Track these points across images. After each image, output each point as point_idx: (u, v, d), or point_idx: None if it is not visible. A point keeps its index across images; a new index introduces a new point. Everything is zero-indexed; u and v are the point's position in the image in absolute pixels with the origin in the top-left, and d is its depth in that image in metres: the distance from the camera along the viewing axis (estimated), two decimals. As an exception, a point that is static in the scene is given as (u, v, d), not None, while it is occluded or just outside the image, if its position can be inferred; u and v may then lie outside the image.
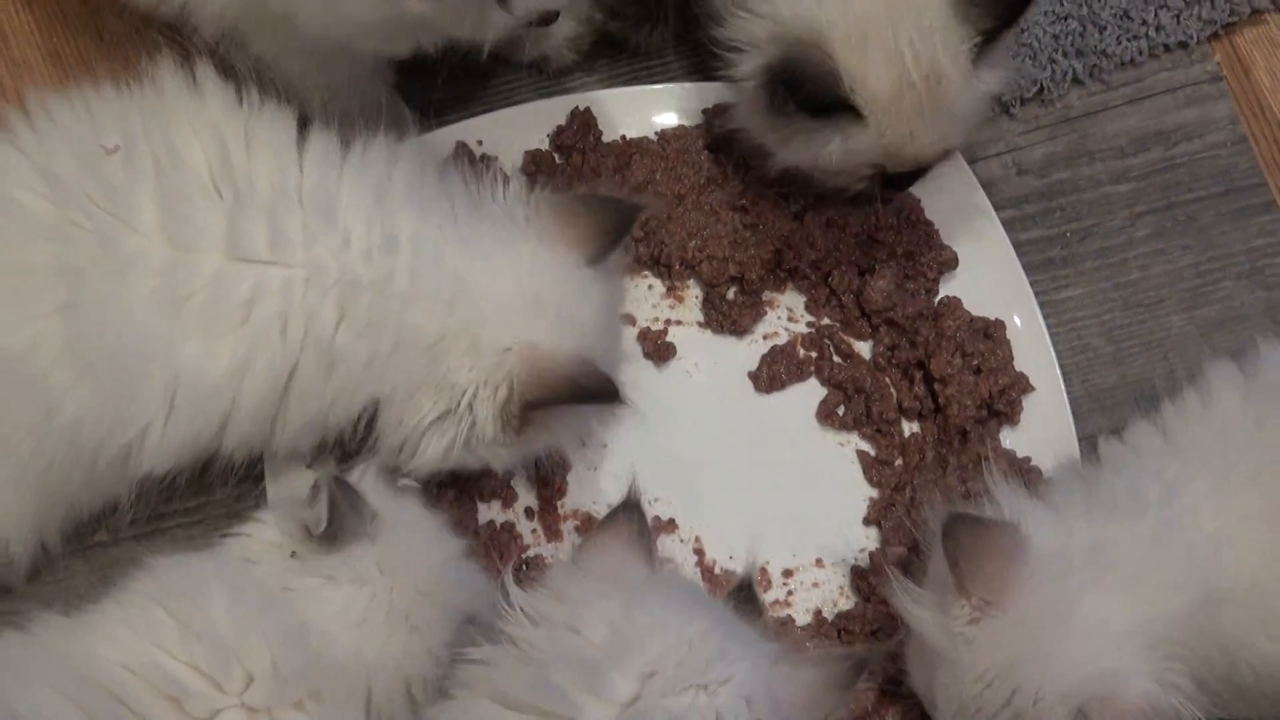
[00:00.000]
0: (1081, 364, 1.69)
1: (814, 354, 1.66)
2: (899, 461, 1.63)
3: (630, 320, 1.65)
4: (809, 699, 1.22)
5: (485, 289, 1.40)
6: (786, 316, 1.68)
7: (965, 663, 1.35)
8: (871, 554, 1.58)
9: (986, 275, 1.67)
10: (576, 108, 1.69)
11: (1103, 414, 1.65)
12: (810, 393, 1.65)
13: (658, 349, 1.64)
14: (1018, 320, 1.65)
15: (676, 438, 1.61)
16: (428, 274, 1.39)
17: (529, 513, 1.58)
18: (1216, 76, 1.81)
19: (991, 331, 1.64)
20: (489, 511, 1.57)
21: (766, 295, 1.68)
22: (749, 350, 1.66)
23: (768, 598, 1.56)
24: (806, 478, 1.62)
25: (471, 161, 1.62)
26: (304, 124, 1.43)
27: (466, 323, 1.39)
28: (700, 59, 1.70)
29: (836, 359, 1.66)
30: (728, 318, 1.65)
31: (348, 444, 1.44)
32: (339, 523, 1.31)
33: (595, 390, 1.41)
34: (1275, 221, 1.75)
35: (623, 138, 1.70)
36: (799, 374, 1.65)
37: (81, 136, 1.38)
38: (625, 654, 1.19)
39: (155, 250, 1.34)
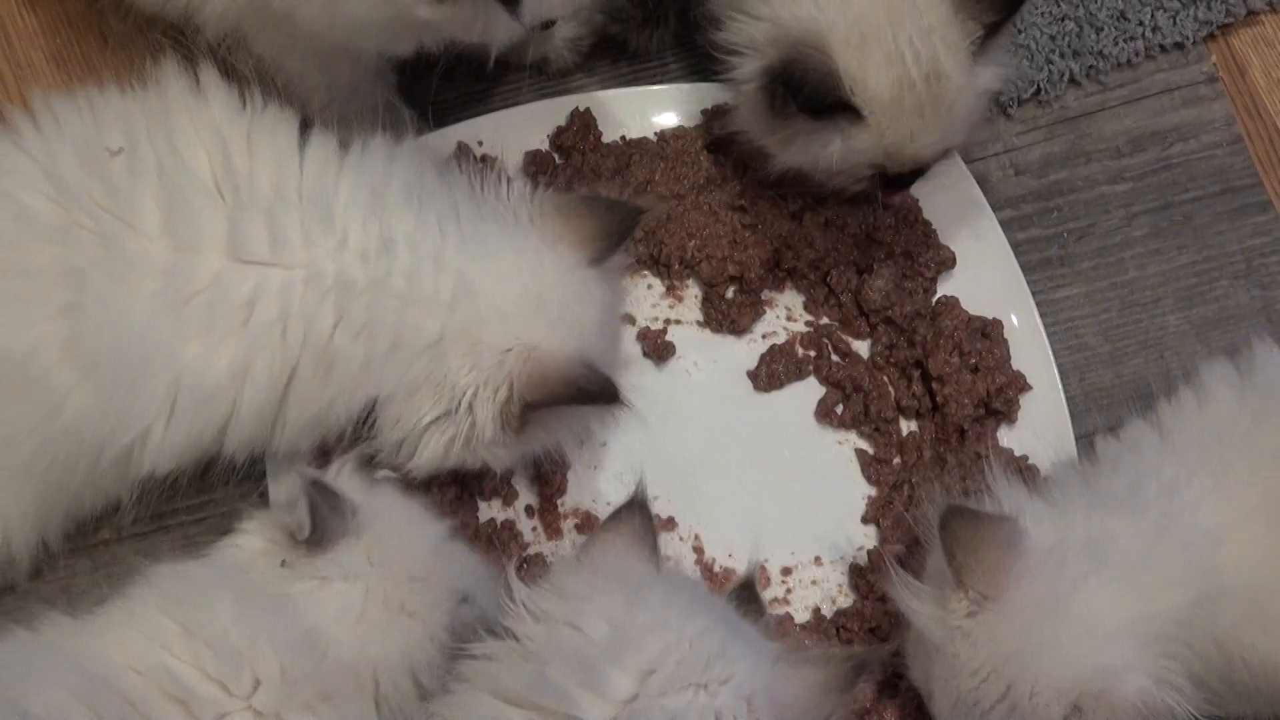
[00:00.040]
0: (1078, 363, 1.69)
1: (812, 353, 1.66)
2: (897, 460, 1.63)
3: (630, 320, 1.65)
4: (809, 700, 1.22)
5: (488, 289, 1.40)
6: (785, 316, 1.68)
7: (962, 656, 1.35)
8: (870, 552, 1.58)
9: (984, 275, 1.67)
10: (576, 108, 1.69)
11: (1099, 412, 1.65)
12: (809, 391, 1.65)
13: (657, 348, 1.64)
14: (1015, 319, 1.65)
15: (676, 436, 1.61)
16: (426, 274, 1.39)
17: (529, 511, 1.58)
18: (1212, 77, 1.81)
19: (989, 330, 1.64)
20: (490, 510, 1.57)
21: (765, 295, 1.68)
22: (748, 349, 1.66)
23: (767, 595, 1.55)
24: (805, 476, 1.62)
25: (473, 162, 1.62)
26: (306, 126, 1.43)
27: (467, 323, 1.39)
28: (699, 60, 1.70)
29: (835, 358, 1.66)
30: (727, 317, 1.66)
31: (349, 444, 1.44)
32: (322, 525, 1.31)
33: (595, 392, 1.41)
34: (1270, 221, 1.75)
35: (622, 138, 1.70)
36: (798, 373, 1.65)
37: (85, 138, 1.38)
38: (624, 651, 1.19)
39: (157, 252, 1.34)
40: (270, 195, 1.37)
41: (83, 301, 1.33)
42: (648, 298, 1.67)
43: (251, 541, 1.36)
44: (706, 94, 1.71)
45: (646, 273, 1.68)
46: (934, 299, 1.67)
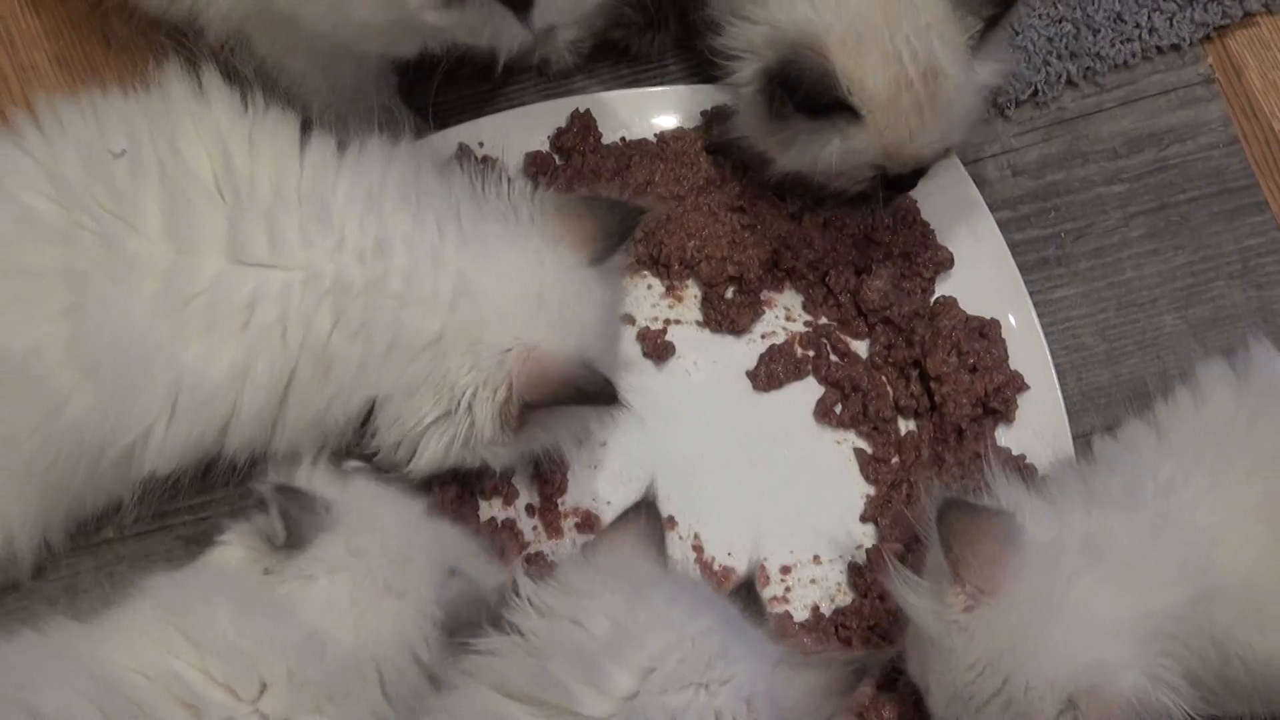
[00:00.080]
0: (1076, 363, 1.69)
1: (811, 353, 1.66)
2: (895, 459, 1.62)
3: (630, 320, 1.64)
4: (809, 702, 1.22)
5: (487, 289, 1.40)
6: (784, 316, 1.68)
7: (958, 651, 1.35)
8: (868, 550, 1.58)
9: (982, 275, 1.67)
10: (577, 110, 1.69)
11: (1097, 412, 1.65)
12: (808, 391, 1.65)
13: (657, 348, 1.64)
14: (1013, 319, 1.65)
15: (675, 436, 1.61)
16: (424, 274, 1.38)
17: (530, 510, 1.58)
18: (1209, 79, 1.80)
19: (987, 330, 1.64)
20: (490, 509, 1.57)
21: (764, 295, 1.67)
22: (747, 349, 1.66)
23: (766, 594, 1.55)
24: (804, 475, 1.62)
25: (473, 163, 1.62)
26: (306, 128, 1.43)
27: (467, 323, 1.39)
28: (699, 63, 1.70)
29: (834, 358, 1.66)
30: (726, 317, 1.65)
31: (349, 443, 1.44)
32: (295, 527, 1.31)
33: (594, 393, 1.41)
34: (1266, 222, 1.75)
35: (622, 139, 1.70)
36: (796, 373, 1.65)
37: (88, 140, 1.38)
38: (626, 648, 1.19)
39: (158, 253, 1.34)
40: (270, 197, 1.37)
41: (84, 302, 1.32)
42: (647, 298, 1.67)
43: (232, 553, 1.35)
44: (706, 96, 1.71)
45: (646, 273, 1.67)
46: (932, 299, 1.67)
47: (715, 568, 1.57)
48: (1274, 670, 1.38)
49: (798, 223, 1.67)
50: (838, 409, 1.64)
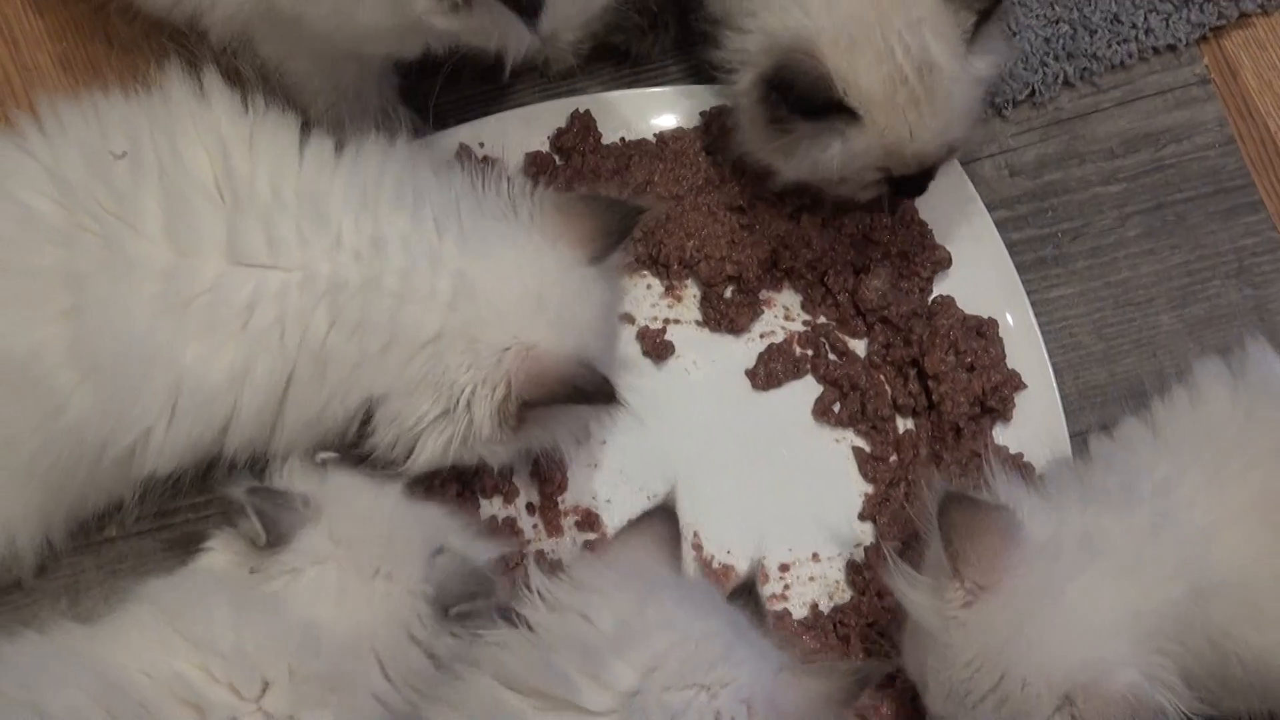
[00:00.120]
0: (1073, 361, 1.68)
1: (810, 352, 1.66)
2: (894, 457, 1.62)
3: (629, 319, 1.64)
4: (810, 709, 1.22)
5: (487, 288, 1.39)
6: (783, 315, 1.67)
7: (956, 647, 1.35)
8: (867, 548, 1.58)
9: (979, 274, 1.67)
10: (576, 110, 1.69)
11: (1093, 411, 1.65)
12: (806, 390, 1.64)
13: (656, 347, 1.64)
14: (1010, 319, 1.65)
15: (675, 435, 1.61)
16: (421, 273, 1.37)
17: (530, 508, 1.58)
18: (1205, 79, 1.80)
19: (984, 329, 1.63)
20: (491, 507, 1.57)
21: (763, 294, 1.67)
22: (746, 348, 1.66)
23: (765, 591, 1.55)
24: (803, 474, 1.61)
25: (474, 163, 1.61)
26: (306, 129, 1.42)
27: (466, 322, 1.38)
28: (698, 63, 1.69)
29: (832, 357, 1.65)
30: (725, 316, 1.65)
31: (349, 443, 1.43)
32: (274, 526, 1.31)
33: (592, 392, 1.40)
34: (1262, 221, 1.74)
35: (622, 140, 1.69)
36: (795, 372, 1.64)
37: (90, 141, 1.38)
38: (630, 644, 1.19)
39: (159, 254, 1.34)
40: (269, 198, 1.37)
41: (85, 303, 1.32)
42: (647, 297, 1.66)
43: (217, 559, 1.35)
44: (705, 96, 1.70)
45: (646, 273, 1.67)
46: (930, 298, 1.67)
47: (714, 565, 1.56)
48: (1271, 667, 1.37)
49: (796, 223, 1.66)
50: (836, 408, 1.64)
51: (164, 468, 1.39)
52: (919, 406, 1.63)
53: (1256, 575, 1.36)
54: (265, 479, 1.38)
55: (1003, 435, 1.62)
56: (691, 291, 1.67)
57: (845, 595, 1.57)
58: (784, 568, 1.58)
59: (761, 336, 1.66)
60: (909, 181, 1.56)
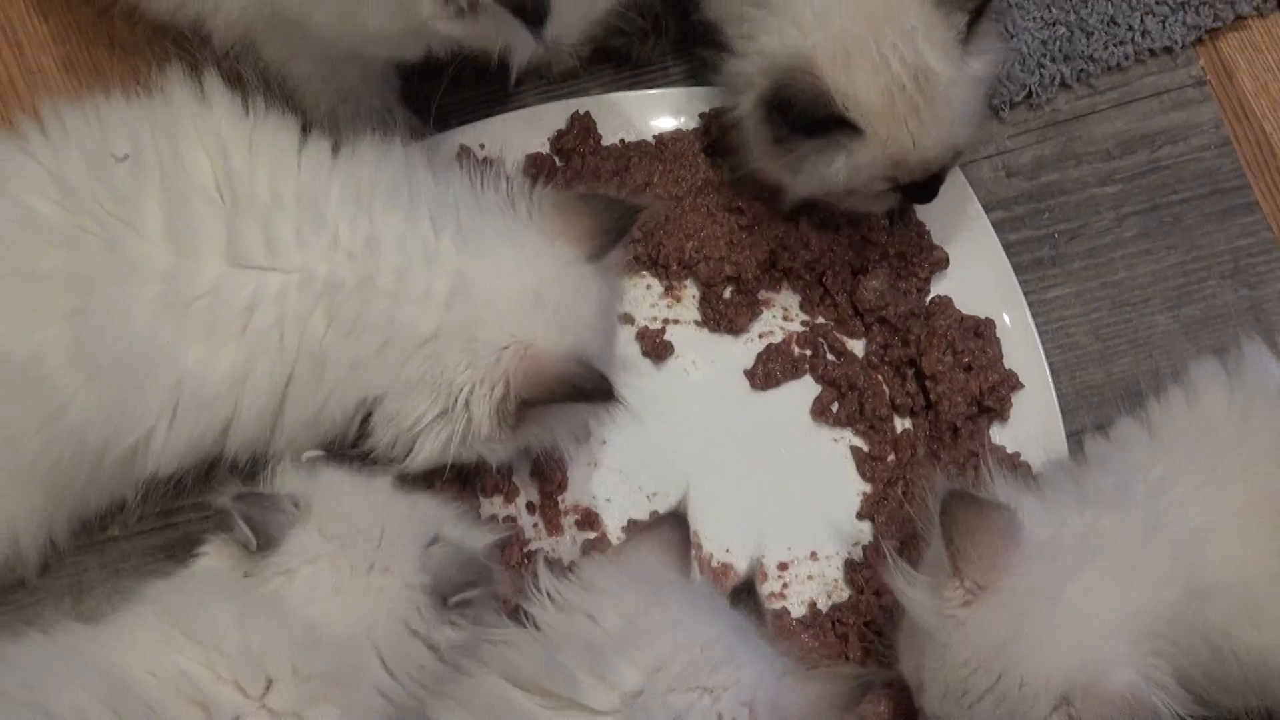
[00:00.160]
0: (1069, 361, 1.68)
1: (808, 352, 1.65)
2: (891, 457, 1.62)
3: (629, 320, 1.64)
4: (812, 713, 1.22)
5: (485, 286, 1.38)
6: (781, 315, 1.67)
7: (954, 646, 1.34)
8: (865, 547, 1.58)
9: (977, 275, 1.67)
10: (576, 112, 1.69)
11: (1090, 410, 1.65)
12: (805, 390, 1.64)
13: (656, 347, 1.63)
14: (1007, 319, 1.65)
15: (674, 434, 1.60)
16: (417, 272, 1.37)
17: (530, 507, 1.57)
18: (1201, 81, 1.79)
19: (981, 330, 1.63)
20: (491, 506, 1.56)
21: (762, 295, 1.67)
22: (745, 348, 1.65)
23: (763, 590, 1.54)
24: (801, 473, 1.61)
25: (474, 163, 1.61)
26: (306, 131, 1.42)
27: (463, 321, 1.37)
28: (698, 66, 1.69)
29: (830, 357, 1.65)
30: (724, 317, 1.65)
31: (349, 443, 1.43)
32: (263, 529, 1.30)
33: (591, 390, 1.39)
34: (1257, 222, 1.74)
35: (621, 141, 1.69)
36: (794, 371, 1.64)
37: (92, 144, 1.37)
38: (635, 645, 1.20)
39: (160, 256, 1.33)
40: (267, 200, 1.36)
41: (87, 305, 1.32)
42: (646, 298, 1.66)
43: (212, 564, 1.34)
44: (704, 98, 1.70)
45: (645, 273, 1.67)
46: (927, 299, 1.66)
47: (713, 564, 1.56)
48: (1269, 664, 1.37)
49: (795, 224, 1.66)
50: (834, 407, 1.63)
51: (166, 468, 1.39)
52: (916, 406, 1.63)
53: (1253, 574, 1.36)
54: (260, 481, 1.38)
55: (1000, 435, 1.61)
56: (691, 292, 1.67)
57: (843, 594, 1.57)
58: (782, 566, 1.57)
59: (760, 336, 1.66)
60: (918, 188, 1.56)
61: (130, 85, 1.43)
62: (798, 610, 1.56)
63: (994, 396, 1.60)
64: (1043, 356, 1.64)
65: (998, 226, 1.69)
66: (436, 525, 1.36)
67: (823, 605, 1.56)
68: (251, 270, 1.34)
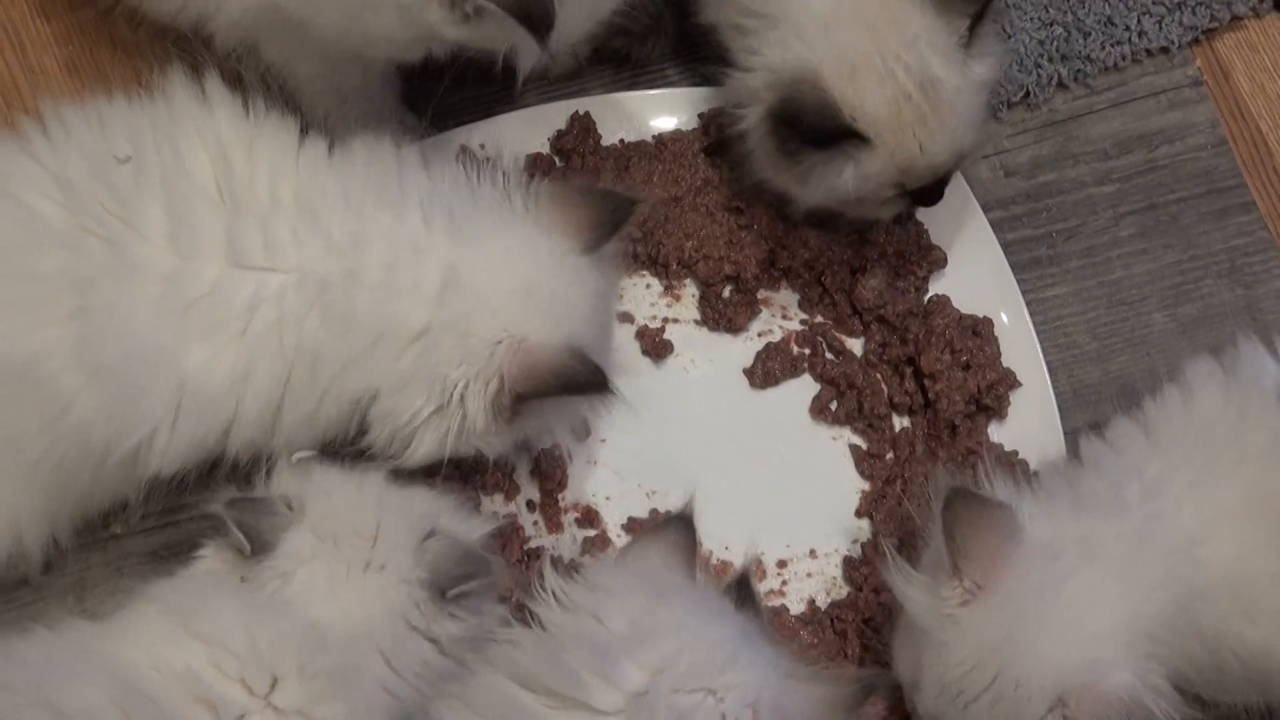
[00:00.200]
0: (1067, 360, 1.67)
1: (807, 351, 1.65)
2: (890, 455, 1.61)
3: (629, 318, 1.63)
4: (814, 714, 1.22)
5: (478, 280, 1.37)
6: (780, 314, 1.66)
7: (951, 645, 1.34)
8: (864, 545, 1.57)
9: (975, 274, 1.66)
10: (576, 112, 1.68)
11: (1087, 409, 1.64)
12: (804, 388, 1.64)
13: (655, 346, 1.63)
14: (1005, 318, 1.64)
15: (674, 433, 1.60)
16: (405, 267, 1.36)
17: (531, 505, 1.57)
18: (1197, 81, 1.79)
19: (980, 329, 1.63)
20: (491, 504, 1.56)
21: (761, 294, 1.66)
22: (744, 347, 1.65)
23: (762, 587, 1.54)
24: (800, 471, 1.61)
25: (473, 163, 1.61)
26: (305, 132, 1.41)
27: (456, 316, 1.36)
28: (697, 66, 1.70)
29: (829, 355, 1.65)
30: (724, 316, 1.64)
31: (346, 440, 1.42)
32: (256, 534, 1.30)
33: (585, 382, 1.38)
34: (1254, 222, 1.74)
35: (621, 141, 1.68)
36: (793, 370, 1.64)
37: (94, 146, 1.36)
38: (640, 645, 1.19)
39: (161, 257, 1.33)
40: (267, 201, 1.36)
41: (90, 306, 1.31)
42: (646, 297, 1.66)
43: (208, 567, 1.34)
44: (704, 98, 1.69)
45: (645, 272, 1.66)
46: (926, 298, 1.66)
47: (712, 562, 1.56)
48: (1268, 659, 1.37)
49: (793, 223, 1.65)
50: (833, 406, 1.63)
51: (168, 468, 1.38)
52: (915, 404, 1.62)
53: (1249, 572, 1.36)
54: (257, 482, 1.38)
55: (998, 433, 1.61)
56: (690, 291, 1.66)
57: (842, 591, 1.57)
58: (781, 564, 1.57)
59: (759, 335, 1.65)
60: (925, 191, 1.55)
61: (132, 87, 1.42)
62: (797, 608, 1.56)
63: (992, 395, 1.60)
64: (1040, 355, 1.63)
65: (996, 226, 1.68)
66: (433, 518, 1.35)
67: (822, 603, 1.56)
68: (251, 271, 1.34)
